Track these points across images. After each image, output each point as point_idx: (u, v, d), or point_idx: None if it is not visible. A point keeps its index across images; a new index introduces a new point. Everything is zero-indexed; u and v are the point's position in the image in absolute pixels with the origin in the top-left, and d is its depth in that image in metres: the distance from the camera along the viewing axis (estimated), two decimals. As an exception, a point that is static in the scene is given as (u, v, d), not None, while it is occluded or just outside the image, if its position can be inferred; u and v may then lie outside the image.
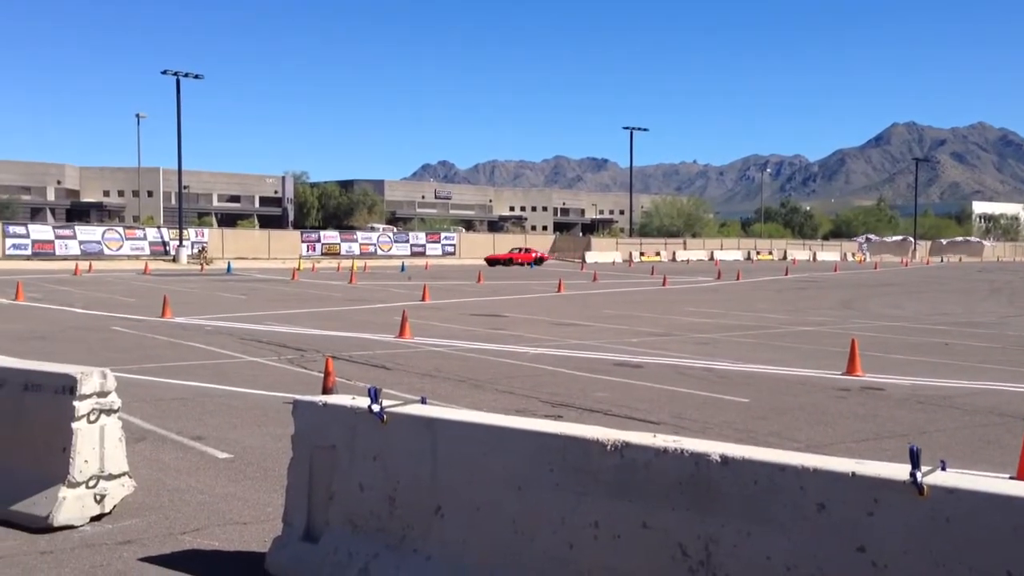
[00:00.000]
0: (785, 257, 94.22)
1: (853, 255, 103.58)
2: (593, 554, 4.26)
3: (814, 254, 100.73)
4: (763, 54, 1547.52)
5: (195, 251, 62.26)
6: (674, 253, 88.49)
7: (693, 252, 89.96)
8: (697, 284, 43.21)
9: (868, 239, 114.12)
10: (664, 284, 41.02)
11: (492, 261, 66.47)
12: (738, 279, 47.45)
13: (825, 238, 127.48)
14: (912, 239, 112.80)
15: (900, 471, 3.64)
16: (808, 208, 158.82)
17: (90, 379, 6.15)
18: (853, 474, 3.69)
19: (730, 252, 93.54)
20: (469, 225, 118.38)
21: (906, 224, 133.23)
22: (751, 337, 19.22)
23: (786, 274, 55.00)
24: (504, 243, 78.14)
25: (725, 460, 3.96)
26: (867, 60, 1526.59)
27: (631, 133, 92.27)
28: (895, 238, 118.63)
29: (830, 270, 64.71)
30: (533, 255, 66.66)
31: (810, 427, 9.82)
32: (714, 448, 4.07)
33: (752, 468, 3.90)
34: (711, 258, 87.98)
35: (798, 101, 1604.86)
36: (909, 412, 10.78)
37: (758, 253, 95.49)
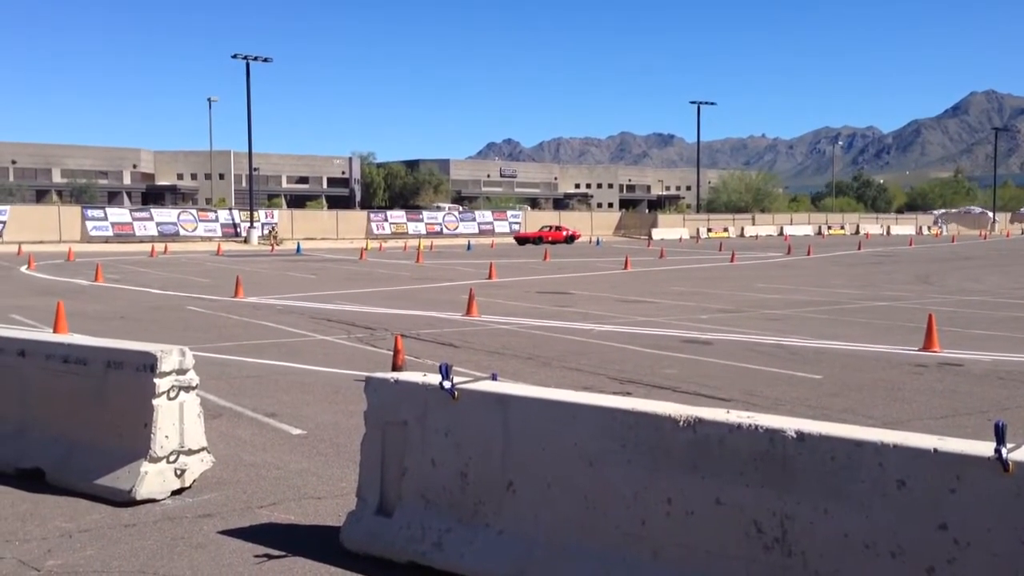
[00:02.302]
0: (858, 231, 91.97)
1: (928, 229, 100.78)
2: (666, 530, 4.24)
3: (888, 228, 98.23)
4: (834, 23, 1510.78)
5: (265, 232, 63.31)
6: (742, 229, 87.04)
7: (762, 227, 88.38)
8: (767, 260, 42.53)
9: (936, 214, 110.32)
10: (733, 260, 40.48)
11: (521, 240, 64.25)
12: (809, 254, 46.55)
13: (899, 211, 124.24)
14: (990, 212, 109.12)
15: (984, 447, 3.55)
16: (882, 181, 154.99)
17: (169, 357, 6.30)
18: (935, 450, 3.61)
19: (800, 227, 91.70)
20: (534, 203, 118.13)
21: (985, 196, 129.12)
22: (823, 313, 18.87)
23: (859, 248, 53.76)
24: (570, 221, 77.54)
25: (801, 436, 3.90)
26: (944, 27, 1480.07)
27: (698, 107, 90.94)
28: (975, 210, 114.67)
29: (904, 244, 63.10)
30: (564, 233, 64.95)
31: (886, 404, 9.62)
32: (789, 424, 4.02)
33: (829, 444, 3.84)
34: (780, 233, 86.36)
35: (871, 71, 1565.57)
36: (989, 388, 10.49)
37: (829, 228, 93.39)
